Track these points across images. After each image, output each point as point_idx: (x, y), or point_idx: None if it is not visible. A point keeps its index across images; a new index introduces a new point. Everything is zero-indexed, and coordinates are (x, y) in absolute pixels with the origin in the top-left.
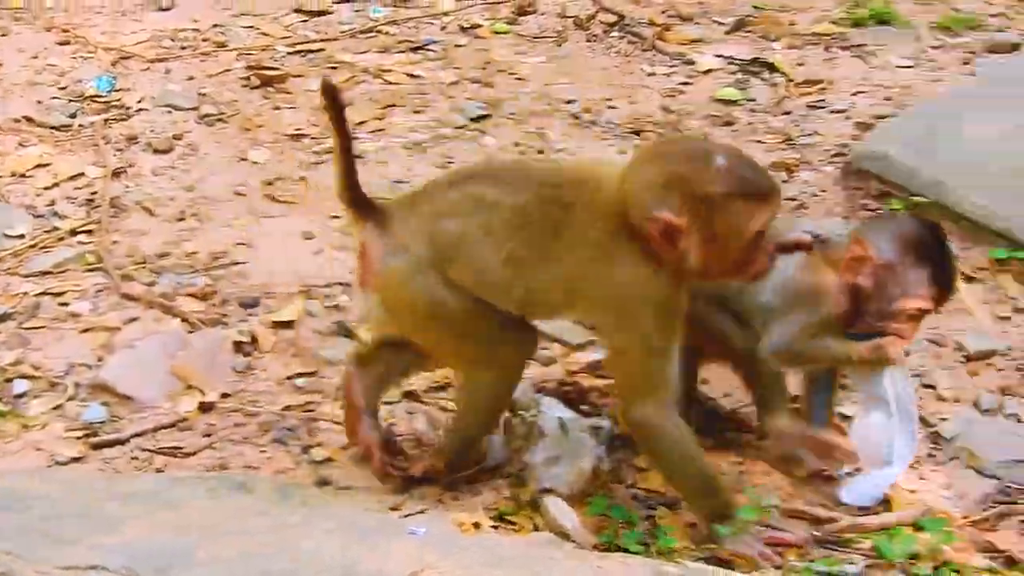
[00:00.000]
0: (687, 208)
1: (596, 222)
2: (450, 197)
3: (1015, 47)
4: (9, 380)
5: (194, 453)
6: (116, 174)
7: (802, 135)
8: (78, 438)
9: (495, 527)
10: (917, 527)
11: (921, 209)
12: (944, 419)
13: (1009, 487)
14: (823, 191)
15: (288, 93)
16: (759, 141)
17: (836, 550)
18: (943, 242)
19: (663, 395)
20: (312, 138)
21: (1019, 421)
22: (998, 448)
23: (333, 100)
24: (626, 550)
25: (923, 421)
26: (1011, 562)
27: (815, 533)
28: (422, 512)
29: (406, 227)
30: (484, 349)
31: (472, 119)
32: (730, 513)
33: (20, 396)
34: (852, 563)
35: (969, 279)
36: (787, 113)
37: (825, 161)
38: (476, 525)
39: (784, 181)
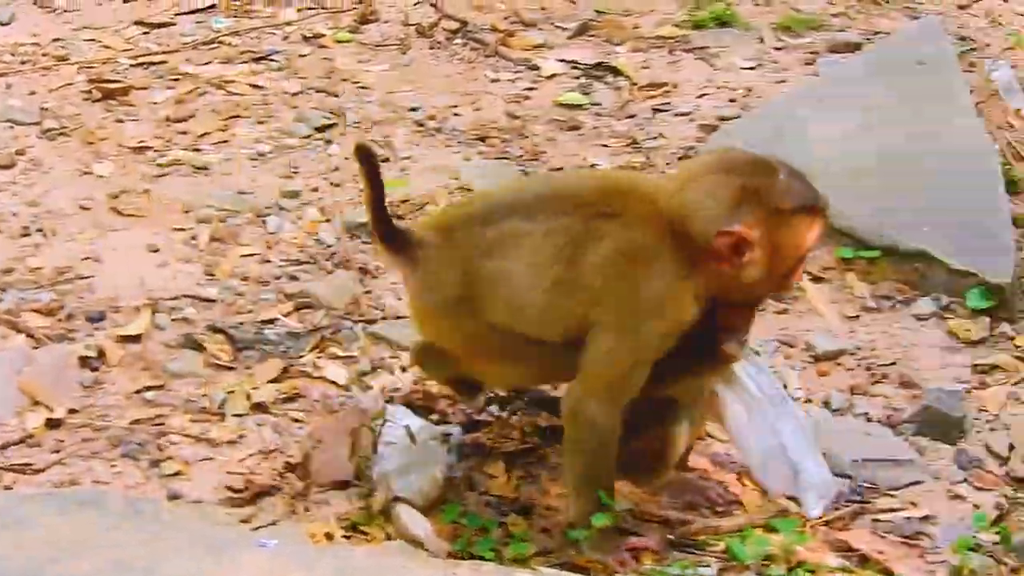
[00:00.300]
0: (759, 222)
1: (639, 231)
2: (488, 236)
3: (856, 47)
4: None
5: (43, 470)
6: None
7: (647, 138)
8: None
9: (347, 537)
10: (770, 528)
11: None
12: None
13: (861, 486)
14: None
15: (131, 106)
16: (604, 145)
17: (690, 553)
18: None
19: (620, 400)
20: (156, 151)
21: (869, 420)
22: (849, 447)
23: (369, 163)
24: (480, 557)
25: None
26: (864, 560)
27: (670, 537)
28: (273, 524)
29: (440, 263)
30: (535, 372)
31: (317, 128)
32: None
33: None
34: (706, 565)
35: (817, 279)
36: (632, 116)
37: (671, 164)
38: (328, 536)
39: None
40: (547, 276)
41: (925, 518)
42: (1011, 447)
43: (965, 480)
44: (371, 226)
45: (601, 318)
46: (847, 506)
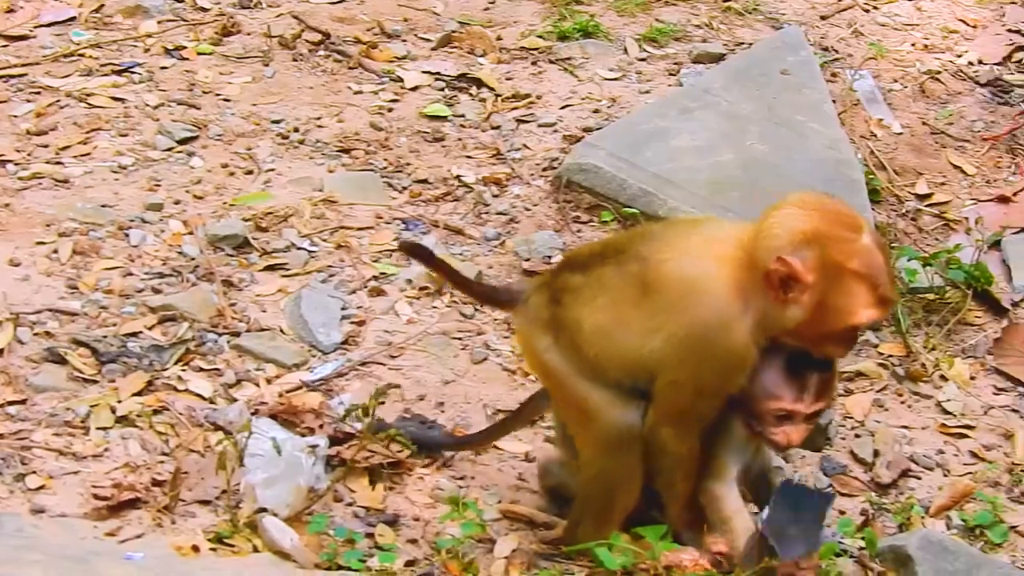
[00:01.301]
0: (818, 268)
1: (697, 266)
2: (571, 281)
3: (720, 57)
4: None
5: None
6: None
7: (511, 149)
8: None
9: (213, 550)
10: (636, 535)
11: (633, 219)
12: None
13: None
14: (535, 205)
15: None
16: (469, 156)
17: (557, 561)
18: None
19: (691, 427)
20: (16, 164)
21: None
22: None
23: (424, 259)
24: (347, 568)
25: None
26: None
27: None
28: (139, 537)
29: (538, 305)
30: (580, 404)
31: (179, 141)
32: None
33: None
34: (571, 573)
35: None
36: (496, 128)
37: (536, 175)
38: (194, 548)
39: (495, 196)
40: (616, 318)
41: None
42: (876, 453)
43: (831, 487)
44: (480, 302)
45: (667, 355)
46: None
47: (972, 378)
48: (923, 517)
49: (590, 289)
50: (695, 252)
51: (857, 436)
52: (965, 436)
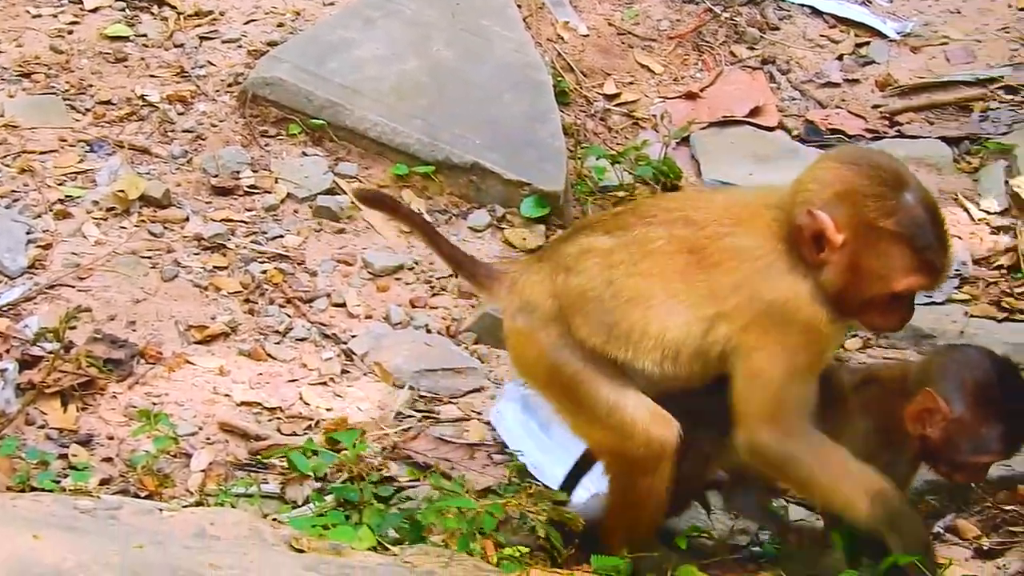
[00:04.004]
0: (849, 225)
1: (754, 238)
2: (567, 250)
3: None
4: None
5: None
6: None
7: (196, 67)
8: None
9: None
10: (332, 440)
11: (321, 131)
12: (355, 336)
13: (423, 396)
14: (221, 121)
15: None
16: (153, 76)
17: (252, 471)
18: (1017, 385)
19: (796, 422)
20: None
21: (429, 332)
22: (410, 359)
23: (390, 210)
24: (41, 489)
25: (335, 339)
26: (428, 468)
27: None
28: None
29: (533, 286)
30: (604, 419)
31: None
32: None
33: None
34: (265, 482)
35: None
36: (179, 46)
37: (221, 91)
38: None
39: (180, 114)
40: (664, 288)
41: (487, 423)
42: None
43: (525, 383)
44: (450, 267)
45: (735, 344)
46: (409, 416)
47: None
48: None
49: (626, 251)
50: (751, 223)
51: None
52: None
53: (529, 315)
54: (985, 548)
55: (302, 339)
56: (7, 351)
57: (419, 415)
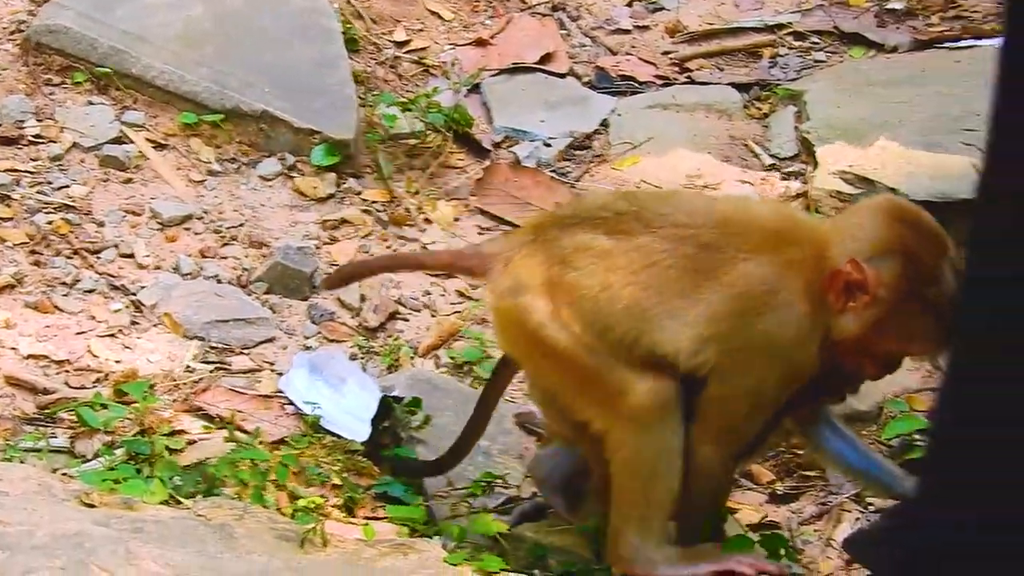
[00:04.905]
0: (892, 283)
1: (776, 266)
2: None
3: None
4: None
5: None
6: None
7: None
8: None
9: None
10: (122, 393)
11: (107, 80)
12: (144, 287)
13: (214, 347)
14: (4, 70)
15: None
16: None
17: (41, 425)
18: None
19: (735, 446)
20: None
21: (220, 282)
22: (201, 310)
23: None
24: None
25: (123, 290)
26: (221, 420)
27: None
28: None
29: (526, 268)
30: (597, 380)
31: None
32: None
33: None
34: (54, 436)
35: (160, 146)
36: None
37: (3, 39)
38: None
39: None
40: (662, 303)
41: (281, 374)
42: (362, 298)
43: (319, 333)
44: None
45: (716, 365)
46: (202, 366)
47: (456, 219)
48: (412, 358)
49: (626, 257)
50: (772, 254)
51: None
52: (451, 276)
53: (520, 294)
54: (779, 492)
55: (90, 291)
56: None
57: (210, 366)
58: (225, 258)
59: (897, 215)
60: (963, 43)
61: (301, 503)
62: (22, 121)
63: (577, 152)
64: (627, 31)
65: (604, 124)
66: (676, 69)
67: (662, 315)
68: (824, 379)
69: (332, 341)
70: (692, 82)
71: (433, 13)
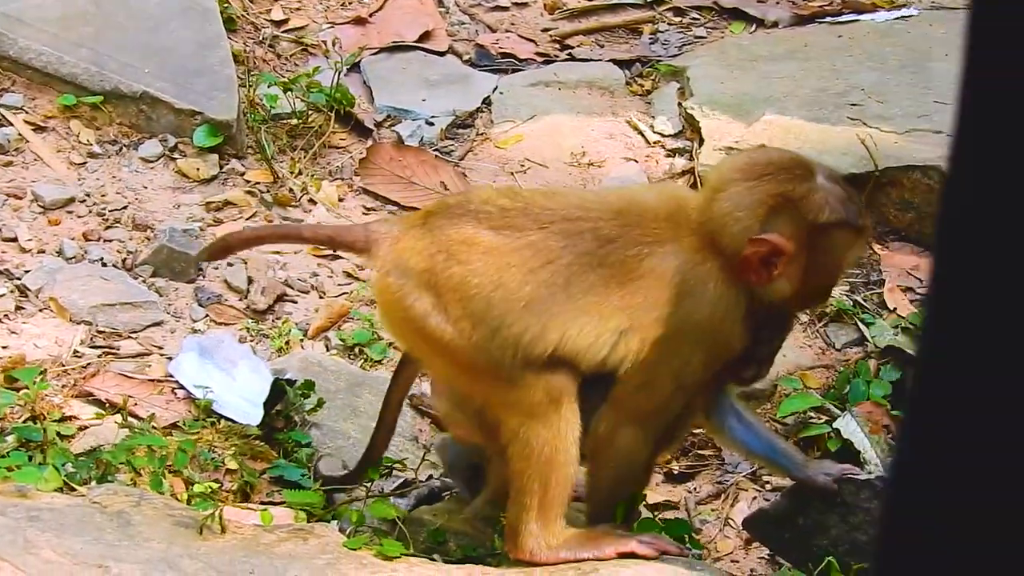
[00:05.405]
0: (794, 232)
1: (685, 252)
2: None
3: None
4: None
5: None
6: None
7: None
8: None
9: None
10: (11, 379)
11: None
12: (28, 271)
13: (101, 331)
14: None
15: None
16: None
17: None
18: None
19: (655, 428)
20: None
21: (104, 265)
22: (87, 294)
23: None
24: None
25: (7, 275)
26: (112, 406)
27: None
28: None
29: (412, 252)
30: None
31: None
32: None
33: None
34: None
35: (40, 129)
36: None
37: None
38: None
39: None
40: (568, 301)
41: (170, 358)
42: (249, 280)
43: (207, 316)
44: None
45: (639, 349)
46: (90, 351)
47: (341, 200)
48: (302, 340)
49: (519, 255)
50: (672, 243)
51: (230, 265)
52: (339, 257)
53: (402, 278)
54: (675, 472)
55: None
56: None
57: (98, 351)
58: (109, 241)
59: (750, 174)
60: (843, 18)
61: (197, 489)
62: None
63: (460, 131)
64: (505, 8)
65: (486, 102)
66: (556, 46)
67: (572, 312)
68: (735, 361)
69: (220, 324)
70: (573, 59)
71: None
